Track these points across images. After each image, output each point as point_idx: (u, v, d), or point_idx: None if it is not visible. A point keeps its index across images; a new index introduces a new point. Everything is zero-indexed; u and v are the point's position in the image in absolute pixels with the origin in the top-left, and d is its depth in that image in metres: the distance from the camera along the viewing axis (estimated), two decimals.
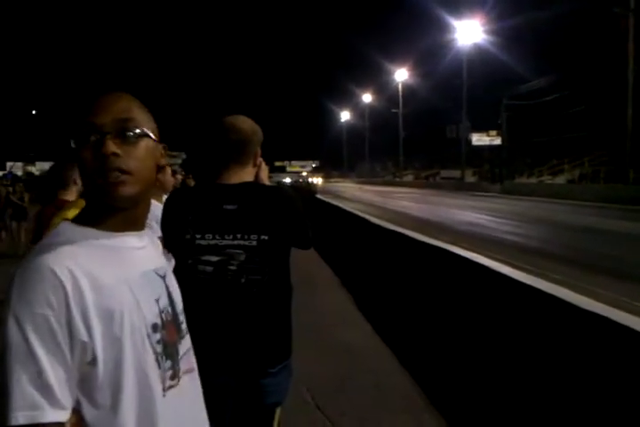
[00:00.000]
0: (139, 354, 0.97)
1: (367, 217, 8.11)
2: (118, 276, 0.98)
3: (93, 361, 0.92)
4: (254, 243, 1.82)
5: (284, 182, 43.93)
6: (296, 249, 2.01)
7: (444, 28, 45.40)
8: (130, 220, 1.05)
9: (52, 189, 3.11)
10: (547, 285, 2.88)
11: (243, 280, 1.82)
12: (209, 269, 1.83)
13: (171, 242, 1.94)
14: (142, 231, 1.09)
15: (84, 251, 0.96)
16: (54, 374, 0.88)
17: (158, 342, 1.01)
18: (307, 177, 67.25)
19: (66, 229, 1.01)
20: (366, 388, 3.93)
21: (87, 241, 0.98)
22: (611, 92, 30.87)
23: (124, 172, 0.98)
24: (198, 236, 1.84)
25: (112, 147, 0.97)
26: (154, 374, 0.99)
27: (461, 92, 42.59)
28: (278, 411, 1.92)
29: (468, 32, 42.32)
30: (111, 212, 1.02)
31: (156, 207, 2.10)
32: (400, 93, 59.43)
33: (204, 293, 1.83)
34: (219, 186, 1.92)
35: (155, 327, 1.01)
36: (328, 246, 9.58)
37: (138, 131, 1.01)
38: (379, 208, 20.97)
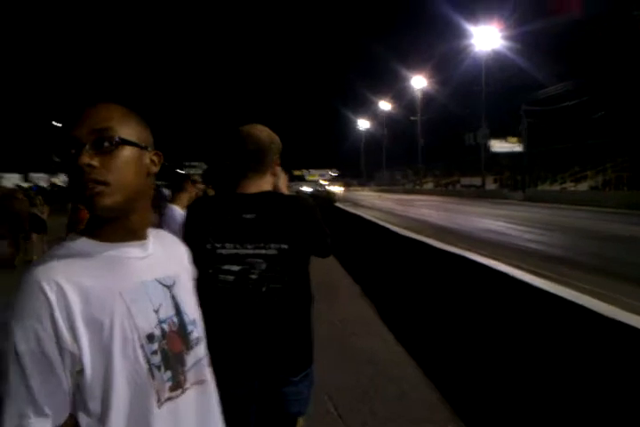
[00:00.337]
0: (129, 364, 0.97)
1: (387, 225, 8.08)
2: (110, 286, 0.99)
3: (82, 371, 0.95)
4: (274, 252, 1.83)
5: (304, 191, 44.02)
6: (316, 258, 2.01)
7: (461, 34, 45.36)
8: (126, 229, 1.05)
9: (72, 201, 3.17)
10: (569, 292, 2.83)
11: (264, 289, 1.82)
12: (230, 278, 1.84)
13: (192, 252, 1.95)
14: (145, 241, 1.09)
15: (78, 263, 0.98)
16: (40, 384, 0.92)
17: (154, 352, 1.00)
18: (326, 186, 67.29)
19: (69, 240, 1.04)
20: (389, 398, 3.89)
21: (83, 252, 1.00)
22: (632, 97, 30.47)
23: (100, 182, 0.98)
24: (218, 245, 1.85)
25: (85, 159, 0.97)
26: (147, 385, 0.98)
27: (480, 99, 42.41)
28: (301, 421, 1.92)
29: (486, 38, 42.19)
30: (104, 222, 1.03)
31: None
32: (419, 101, 59.38)
33: (225, 302, 1.84)
34: (238, 195, 1.93)
35: (150, 338, 1.01)
36: (348, 255, 9.56)
37: (115, 140, 1.00)
38: (399, 216, 20.89)
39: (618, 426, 2.14)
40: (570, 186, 36.00)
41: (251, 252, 1.83)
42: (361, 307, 6.70)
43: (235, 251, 1.84)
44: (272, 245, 1.83)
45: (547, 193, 34.28)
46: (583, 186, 34.65)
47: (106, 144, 0.99)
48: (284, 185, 2.11)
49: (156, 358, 1.00)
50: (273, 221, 1.85)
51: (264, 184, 1.96)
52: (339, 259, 9.82)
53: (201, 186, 4.95)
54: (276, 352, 1.84)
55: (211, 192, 4.91)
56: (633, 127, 31.13)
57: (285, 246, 1.83)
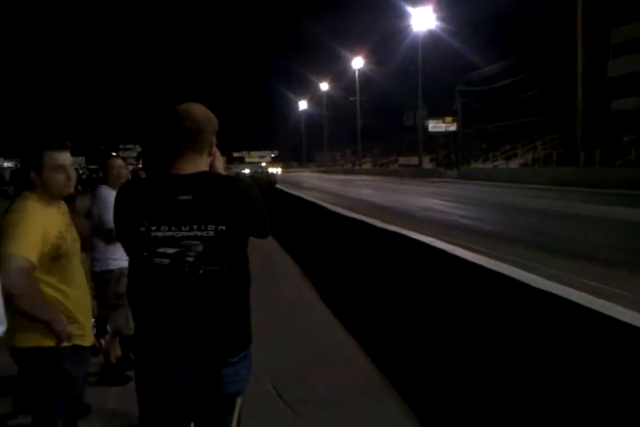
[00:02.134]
0: None
1: (326, 205, 8.14)
2: None
3: None
4: (212, 233, 1.80)
5: (244, 173, 43.60)
6: (257, 239, 2.00)
7: (399, 15, 45.58)
8: None
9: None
10: (499, 265, 2.96)
11: (201, 271, 1.80)
12: (165, 261, 1.80)
13: (124, 235, 1.90)
14: None
15: None
16: None
17: None
18: (266, 167, 66.91)
19: None
20: (328, 375, 3.95)
21: None
22: (563, 77, 31.69)
23: None
24: (154, 228, 1.80)
25: None
26: None
27: (417, 80, 42.96)
28: (239, 401, 1.93)
29: (423, 19, 42.59)
30: None
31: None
32: (357, 81, 59.54)
33: (161, 285, 1.81)
34: (173, 176, 1.87)
35: None
36: (289, 236, 9.59)
37: None
38: (339, 196, 21.07)
39: (541, 384, 2.28)
40: (501, 164, 37.28)
41: (187, 234, 1.80)
42: (301, 286, 6.76)
43: (170, 233, 1.80)
44: (210, 227, 1.80)
45: (480, 171, 35.36)
46: (514, 163, 35.95)
47: None
48: (221, 165, 2.07)
49: None
50: (210, 202, 1.81)
51: (201, 164, 1.90)
52: (279, 240, 9.84)
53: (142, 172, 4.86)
54: (214, 334, 1.83)
55: (142, 174, 4.79)
56: (563, 106, 32.45)
57: (223, 228, 1.80)
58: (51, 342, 2.30)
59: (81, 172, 28.78)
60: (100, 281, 3.83)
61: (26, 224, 2.24)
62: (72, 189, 2.43)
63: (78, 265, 2.48)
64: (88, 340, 2.47)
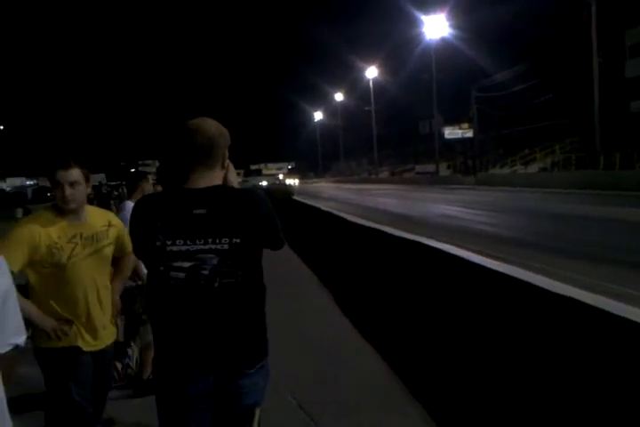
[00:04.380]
0: None
1: (343, 215, 8.14)
2: None
3: None
4: (226, 246, 1.82)
5: (261, 186, 43.86)
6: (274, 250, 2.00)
7: (412, 23, 45.67)
8: None
9: None
10: (521, 272, 2.93)
11: (216, 284, 1.82)
12: (181, 275, 1.82)
13: (141, 249, 1.93)
14: None
15: None
16: None
17: None
18: (284, 179, 67.14)
19: None
20: (348, 385, 3.93)
21: None
22: (579, 80, 31.42)
23: None
24: (169, 242, 1.83)
25: None
26: None
27: (431, 87, 42.91)
28: (258, 411, 1.93)
29: (435, 26, 42.64)
30: None
31: None
32: (372, 91, 59.63)
33: (177, 299, 1.83)
34: (187, 190, 1.90)
35: None
36: (305, 246, 9.59)
37: None
38: (356, 206, 21.04)
39: (569, 394, 2.25)
40: (520, 168, 36.94)
41: (202, 247, 1.82)
42: (319, 297, 6.74)
43: (185, 247, 1.82)
44: (224, 240, 1.82)
45: (498, 176, 35.10)
46: (533, 168, 35.60)
47: None
48: (234, 179, 2.09)
49: None
50: (224, 215, 1.83)
51: (214, 178, 1.93)
52: (296, 250, 9.84)
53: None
54: (231, 346, 1.84)
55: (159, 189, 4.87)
56: (580, 109, 32.13)
57: (238, 240, 1.82)
58: (46, 343, 2.48)
59: (103, 189, 29.27)
60: (126, 296, 3.87)
61: (13, 232, 2.46)
62: (73, 205, 2.54)
63: (82, 276, 2.56)
64: (85, 344, 2.57)
